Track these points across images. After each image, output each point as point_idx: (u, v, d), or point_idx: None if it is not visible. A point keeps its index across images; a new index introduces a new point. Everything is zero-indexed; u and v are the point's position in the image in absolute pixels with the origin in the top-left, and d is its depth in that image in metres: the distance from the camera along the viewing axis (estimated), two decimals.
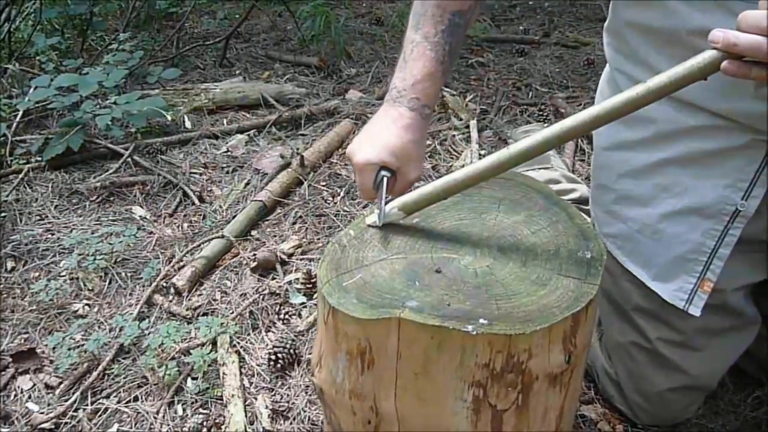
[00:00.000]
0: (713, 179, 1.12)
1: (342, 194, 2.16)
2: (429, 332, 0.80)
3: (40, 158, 2.28)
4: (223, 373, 1.49)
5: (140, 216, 2.08)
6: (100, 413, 1.42)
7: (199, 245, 1.88)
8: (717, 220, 1.13)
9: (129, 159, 2.31)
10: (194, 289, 1.77)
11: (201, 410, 1.43)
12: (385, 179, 1.04)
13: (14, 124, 2.41)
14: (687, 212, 1.15)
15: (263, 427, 1.37)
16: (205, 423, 1.37)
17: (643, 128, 1.18)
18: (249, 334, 1.62)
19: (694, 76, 0.80)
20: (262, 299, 1.72)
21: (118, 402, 1.45)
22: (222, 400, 1.43)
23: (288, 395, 1.46)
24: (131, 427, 1.40)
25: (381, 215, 1.00)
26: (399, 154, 1.05)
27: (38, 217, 2.06)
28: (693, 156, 1.13)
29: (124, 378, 1.50)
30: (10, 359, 1.54)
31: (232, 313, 1.67)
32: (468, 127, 2.54)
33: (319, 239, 1.96)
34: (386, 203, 1.01)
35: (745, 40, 0.75)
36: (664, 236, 1.18)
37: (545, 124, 2.52)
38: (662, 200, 1.18)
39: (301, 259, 1.87)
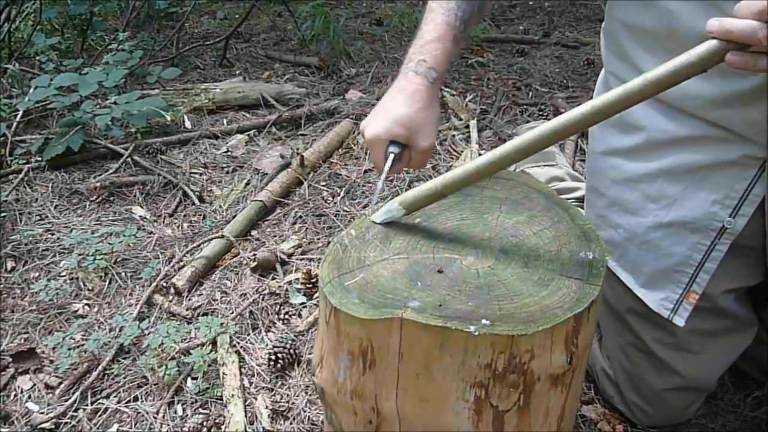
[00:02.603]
0: (702, 193, 1.12)
1: (342, 194, 2.16)
2: (431, 332, 0.80)
3: (40, 158, 2.28)
4: (223, 373, 1.49)
5: (140, 216, 2.08)
6: (100, 413, 1.42)
7: (199, 245, 1.88)
8: (704, 234, 1.13)
9: (129, 159, 2.31)
10: (194, 289, 1.77)
11: (201, 410, 1.43)
12: (392, 155, 1.04)
13: (14, 124, 2.41)
14: (674, 225, 1.15)
15: (263, 427, 1.37)
16: (205, 423, 1.37)
17: (634, 135, 1.18)
18: (249, 334, 1.62)
19: (694, 68, 0.78)
20: (262, 299, 1.72)
21: (118, 402, 1.45)
22: (222, 400, 1.43)
23: (288, 395, 1.46)
24: (131, 427, 1.39)
25: (377, 192, 1.02)
26: (407, 124, 1.04)
27: (38, 217, 2.06)
28: (683, 169, 1.13)
29: (124, 378, 1.50)
30: (10, 359, 1.54)
31: (232, 313, 1.67)
32: (468, 127, 2.54)
33: (319, 239, 1.96)
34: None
35: (741, 26, 0.74)
36: (652, 247, 1.18)
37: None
38: (650, 211, 1.18)
39: (301, 259, 1.87)
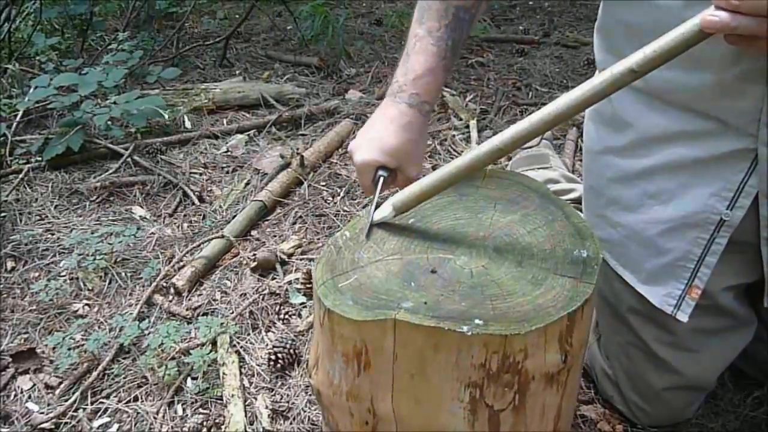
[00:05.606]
0: (699, 187, 1.11)
1: (342, 194, 2.16)
2: (424, 333, 0.80)
3: (40, 158, 2.28)
4: (223, 373, 1.49)
5: (140, 216, 2.09)
6: (100, 413, 1.43)
7: (199, 245, 1.88)
8: (703, 228, 1.12)
9: (129, 159, 2.32)
10: (194, 289, 1.77)
11: (201, 410, 1.43)
12: (381, 179, 1.06)
13: (14, 124, 2.42)
14: (673, 220, 1.15)
15: (263, 427, 1.38)
16: (205, 423, 1.38)
17: (626, 133, 1.18)
18: (249, 334, 1.62)
19: (679, 48, 0.80)
20: (262, 299, 1.72)
21: (118, 402, 1.45)
22: (222, 400, 1.44)
23: (288, 395, 1.46)
24: (131, 427, 1.40)
25: (370, 219, 1.00)
26: (396, 154, 1.07)
27: (38, 217, 2.06)
28: (678, 164, 1.13)
29: (124, 378, 1.50)
30: (10, 359, 1.55)
31: (232, 313, 1.67)
32: (468, 127, 2.54)
33: (319, 239, 1.96)
34: (383, 201, 1.02)
35: (745, 24, 0.77)
36: (652, 243, 1.18)
37: None
38: (649, 207, 1.18)
39: (301, 259, 1.88)
